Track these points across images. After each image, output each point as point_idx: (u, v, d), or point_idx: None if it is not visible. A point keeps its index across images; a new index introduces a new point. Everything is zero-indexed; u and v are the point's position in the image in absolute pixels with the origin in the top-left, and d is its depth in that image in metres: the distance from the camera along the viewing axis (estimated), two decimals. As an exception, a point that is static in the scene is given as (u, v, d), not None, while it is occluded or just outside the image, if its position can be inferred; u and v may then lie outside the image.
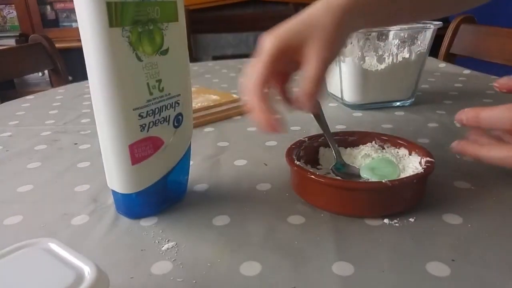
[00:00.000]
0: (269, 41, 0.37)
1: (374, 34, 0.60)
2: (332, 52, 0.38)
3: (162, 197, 0.36)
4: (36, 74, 2.38)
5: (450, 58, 1.04)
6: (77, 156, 0.49)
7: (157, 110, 0.33)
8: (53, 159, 0.49)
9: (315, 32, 0.37)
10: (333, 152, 0.39)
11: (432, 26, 0.60)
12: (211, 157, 0.47)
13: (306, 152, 0.40)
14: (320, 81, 0.37)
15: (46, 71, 1.34)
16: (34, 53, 1.07)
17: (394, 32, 0.62)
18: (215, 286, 0.27)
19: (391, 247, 0.30)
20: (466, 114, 0.37)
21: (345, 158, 0.40)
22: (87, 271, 0.20)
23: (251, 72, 0.37)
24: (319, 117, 0.40)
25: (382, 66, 0.60)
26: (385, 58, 0.60)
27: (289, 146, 0.39)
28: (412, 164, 0.38)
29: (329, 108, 0.65)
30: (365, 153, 0.40)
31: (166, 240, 0.32)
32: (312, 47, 0.37)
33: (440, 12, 0.50)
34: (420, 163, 0.37)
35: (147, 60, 0.31)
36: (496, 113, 0.35)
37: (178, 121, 0.35)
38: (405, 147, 0.39)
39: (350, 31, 0.40)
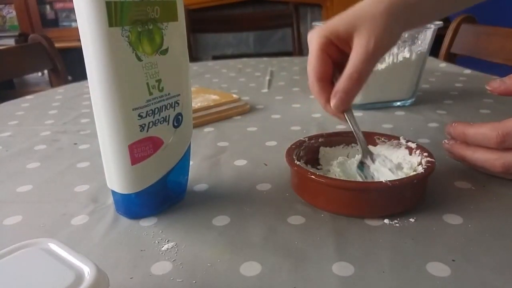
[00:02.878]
0: (316, 33, 0.36)
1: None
2: (380, 45, 0.35)
3: (162, 197, 0.36)
4: (35, 74, 2.38)
5: (451, 58, 1.04)
6: (77, 156, 0.49)
7: (156, 110, 0.32)
8: (52, 159, 0.49)
9: (364, 22, 0.35)
10: (359, 143, 0.38)
11: (432, 26, 0.60)
12: (211, 157, 0.47)
13: (306, 152, 0.40)
14: (361, 78, 0.35)
15: (45, 71, 1.34)
16: (34, 53, 1.07)
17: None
18: (215, 286, 0.27)
19: (391, 247, 0.29)
20: (454, 129, 0.38)
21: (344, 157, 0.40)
22: (87, 271, 0.20)
23: (308, 67, 0.36)
24: (348, 116, 0.38)
25: (383, 66, 0.60)
26: (385, 58, 0.60)
27: (289, 146, 0.39)
28: (405, 158, 0.38)
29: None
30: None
31: (166, 240, 0.32)
32: (359, 38, 0.35)
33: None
34: (420, 163, 0.37)
35: (147, 60, 0.31)
36: (482, 131, 0.35)
37: (178, 121, 0.35)
38: (406, 147, 0.39)
39: (402, 25, 0.38)
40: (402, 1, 0.37)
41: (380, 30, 0.35)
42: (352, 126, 0.38)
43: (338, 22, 0.37)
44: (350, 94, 0.36)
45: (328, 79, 0.37)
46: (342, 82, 0.36)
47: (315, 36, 0.36)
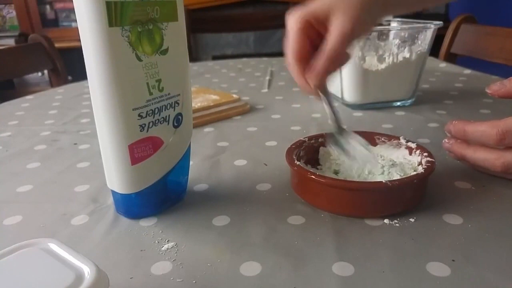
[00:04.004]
0: (295, 14, 0.37)
1: (374, 33, 0.60)
2: (356, 26, 0.37)
3: (162, 197, 0.36)
4: (35, 74, 2.38)
5: (451, 57, 1.04)
6: (77, 156, 0.49)
7: (156, 110, 0.32)
8: (52, 159, 0.49)
9: (341, 4, 0.37)
10: (332, 120, 0.39)
11: (432, 26, 0.60)
12: (211, 157, 0.47)
13: (306, 152, 0.40)
14: (336, 57, 0.36)
15: (45, 71, 1.34)
16: (34, 53, 1.07)
17: (394, 32, 0.62)
18: (215, 286, 0.27)
19: (391, 247, 0.29)
20: (454, 126, 0.38)
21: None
22: (87, 271, 0.20)
23: (287, 48, 0.37)
24: (324, 94, 0.39)
25: (383, 66, 0.60)
26: (385, 58, 0.60)
27: (289, 146, 0.39)
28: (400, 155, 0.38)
29: (329, 108, 0.65)
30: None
31: (166, 240, 0.32)
32: (336, 19, 0.36)
33: None
34: (420, 163, 0.37)
35: (147, 60, 0.31)
36: (482, 129, 0.35)
37: (177, 121, 0.35)
38: (406, 147, 0.39)
39: (379, 9, 0.40)
40: None
41: (357, 12, 0.37)
42: (326, 104, 0.39)
43: (316, 4, 0.38)
44: (325, 71, 0.38)
45: (307, 60, 0.38)
46: (318, 59, 0.37)
47: (294, 18, 0.37)
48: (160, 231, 0.33)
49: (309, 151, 0.41)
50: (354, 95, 0.62)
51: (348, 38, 0.37)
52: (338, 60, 0.37)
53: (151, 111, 0.32)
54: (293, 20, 0.37)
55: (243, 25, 1.94)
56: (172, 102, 0.34)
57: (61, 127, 0.61)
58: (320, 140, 0.42)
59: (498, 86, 0.38)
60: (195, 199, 0.38)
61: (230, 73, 0.97)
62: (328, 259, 0.28)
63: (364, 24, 0.38)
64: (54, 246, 0.22)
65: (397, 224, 0.32)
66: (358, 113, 0.61)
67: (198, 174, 0.43)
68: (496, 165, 0.35)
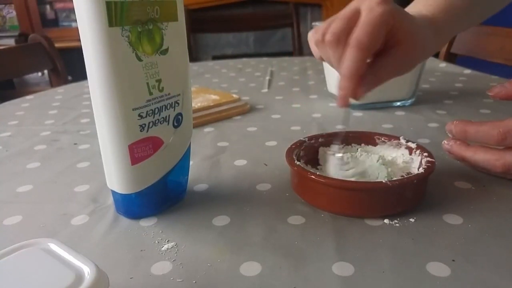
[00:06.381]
0: (385, 4, 0.36)
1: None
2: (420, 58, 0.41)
3: (162, 197, 0.36)
4: (35, 74, 2.38)
5: (451, 57, 1.04)
6: (77, 156, 0.49)
7: (156, 110, 0.32)
8: (52, 159, 0.49)
9: (421, 29, 0.40)
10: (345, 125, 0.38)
11: (432, 26, 0.60)
12: (211, 157, 0.47)
13: (306, 152, 0.40)
14: (376, 33, 0.34)
15: (45, 71, 1.34)
16: (34, 53, 1.07)
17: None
18: (215, 286, 0.27)
19: (391, 247, 0.29)
20: (455, 127, 0.38)
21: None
22: (87, 271, 0.20)
23: (362, 30, 0.35)
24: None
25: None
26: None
27: (289, 146, 0.39)
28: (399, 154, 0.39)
29: (329, 108, 0.65)
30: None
31: (166, 240, 0.32)
32: (420, 41, 0.38)
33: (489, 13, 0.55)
34: (420, 163, 0.37)
35: (147, 59, 0.31)
36: (483, 129, 0.35)
37: (178, 121, 0.35)
38: (406, 147, 0.39)
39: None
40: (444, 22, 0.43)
41: (417, 57, 0.41)
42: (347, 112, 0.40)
43: (402, 16, 0.38)
44: (378, 83, 0.38)
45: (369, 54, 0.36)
46: (382, 74, 0.38)
47: (387, 9, 0.35)
48: (160, 231, 0.33)
49: (309, 151, 0.41)
50: (354, 95, 0.62)
51: (399, 73, 0.39)
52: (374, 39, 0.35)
53: (151, 111, 0.32)
54: (385, 10, 0.34)
55: (243, 25, 1.94)
56: (172, 102, 0.34)
57: (61, 127, 0.61)
58: (320, 140, 0.42)
59: (498, 88, 0.38)
60: (195, 199, 0.38)
61: (230, 73, 0.97)
62: (328, 259, 0.28)
63: (415, 64, 0.41)
64: (54, 246, 0.22)
65: (397, 224, 0.32)
66: (358, 113, 0.61)
67: (198, 174, 0.43)
68: (496, 166, 0.35)
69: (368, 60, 0.37)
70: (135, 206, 0.35)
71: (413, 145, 0.38)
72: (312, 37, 0.39)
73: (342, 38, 0.36)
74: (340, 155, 0.38)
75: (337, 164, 0.37)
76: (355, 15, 0.36)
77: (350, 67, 0.34)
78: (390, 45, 0.37)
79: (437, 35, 0.42)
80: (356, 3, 0.37)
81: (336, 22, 0.36)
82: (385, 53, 0.37)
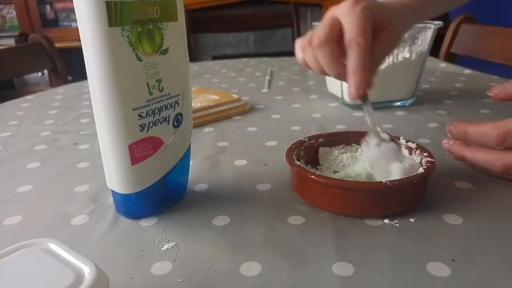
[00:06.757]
0: (360, 3, 0.39)
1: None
2: (399, 41, 0.43)
3: (162, 197, 0.36)
4: (35, 74, 2.38)
5: (451, 58, 1.04)
6: (77, 156, 0.49)
7: (156, 110, 0.32)
8: (52, 159, 0.49)
9: (394, 16, 0.43)
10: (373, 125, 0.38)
11: (432, 26, 0.60)
12: (211, 157, 0.47)
13: (306, 152, 0.40)
14: (366, 31, 0.38)
15: (45, 71, 1.34)
16: (34, 53, 1.07)
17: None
18: (215, 286, 0.27)
19: (391, 247, 0.29)
20: (455, 127, 0.38)
21: (346, 156, 0.40)
22: (87, 271, 0.20)
23: (354, 29, 0.38)
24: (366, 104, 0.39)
25: (382, 66, 0.60)
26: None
27: (289, 146, 0.39)
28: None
29: (329, 108, 0.65)
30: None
31: (166, 240, 0.32)
32: (391, 29, 0.41)
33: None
34: (420, 163, 0.37)
35: (147, 60, 0.31)
36: (483, 130, 0.36)
37: (177, 121, 0.35)
38: (406, 147, 0.39)
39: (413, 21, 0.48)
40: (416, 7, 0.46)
41: (399, 36, 0.44)
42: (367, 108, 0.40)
43: (378, 6, 0.41)
44: (368, 75, 0.39)
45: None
46: (378, 57, 0.41)
47: (364, 7, 0.38)
48: (160, 231, 0.33)
49: (309, 151, 0.41)
50: (354, 95, 0.62)
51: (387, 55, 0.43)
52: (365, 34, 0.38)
53: (151, 111, 0.32)
54: (362, 7, 0.38)
55: (243, 25, 1.94)
56: (172, 102, 0.34)
57: (61, 127, 0.61)
58: (320, 140, 0.42)
59: (498, 89, 0.38)
60: (195, 199, 0.38)
61: (230, 73, 0.97)
62: (328, 259, 0.28)
63: (398, 44, 0.45)
64: (54, 246, 0.22)
65: (397, 224, 0.32)
66: (358, 113, 0.61)
67: (198, 174, 0.43)
68: (496, 166, 0.35)
69: None
70: (135, 206, 0.35)
71: (413, 145, 0.38)
72: (298, 45, 0.43)
73: (329, 40, 0.39)
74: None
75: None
76: (335, 21, 0.39)
77: (358, 62, 0.37)
78: (375, 33, 0.40)
79: (412, 12, 0.47)
80: (330, 12, 0.40)
81: (319, 29, 0.40)
82: (374, 41, 0.40)
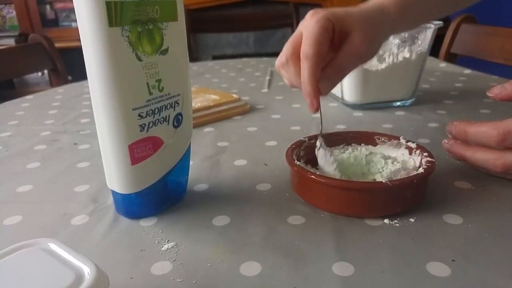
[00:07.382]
0: (317, 14, 0.39)
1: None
2: (370, 50, 0.40)
3: (162, 197, 0.36)
4: (35, 74, 2.38)
5: (451, 57, 1.04)
6: (77, 156, 0.49)
7: (156, 110, 0.32)
8: (52, 159, 0.49)
9: (361, 23, 0.40)
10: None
11: (432, 26, 0.60)
12: (211, 157, 0.47)
13: (306, 152, 0.40)
14: (344, 75, 0.38)
15: (45, 71, 1.34)
16: (34, 53, 1.07)
17: (394, 32, 0.62)
18: (215, 286, 0.27)
19: (391, 247, 0.29)
20: (455, 127, 0.39)
21: (346, 156, 0.40)
22: (87, 271, 0.20)
23: (307, 45, 0.38)
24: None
25: (383, 66, 0.60)
26: (385, 57, 0.60)
27: (289, 146, 0.39)
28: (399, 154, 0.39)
29: (329, 108, 0.65)
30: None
31: (166, 240, 0.32)
32: (354, 37, 0.39)
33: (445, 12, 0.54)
34: (420, 163, 0.37)
35: (147, 59, 0.31)
36: (483, 130, 0.36)
37: (177, 121, 0.35)
38: (406, 147, 0.39)
39: (389, 31, 0.45)
40: (396, 14, 0.43)
41: (374, 37, 0.41)
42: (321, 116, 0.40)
43: (340, 12, 0.40)
44: (334, 82, 0.40)
45: (323, 59, 0.38)
46: (331, 72, 0.39)
47: (318, 16, 0.38)
48: (160, 231, 0.33)
49: (309, 151, 0.41)
50: (354, 95, 0.62)
51: (361, 60, 0.41)
52: (317, 45, 0.38)
53: (151, 111, 0.32)
54: (318, 18, 0.38)
55: (243, 25, 1.94)
56: (172, 102, 0.34)
57: (61, 127, 0.61)
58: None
59: (498, 89, 0.38)
60: (195, 199, 0.38)
61: (230, 73, 0.97)
62: (328, 259, 0.28)
63: (377, 47, 0.42)
64: (54, 246, 0.22)
65: (397, 224, 0.32)
66: (358, 113, 0.61)
67: (198, 174, 0.43)
68: (496, 166, 0.36)
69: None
70: (135, 206, 0.35)
71: (413, 145, 0.38)
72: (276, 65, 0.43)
73: (289, 58, 0.40)
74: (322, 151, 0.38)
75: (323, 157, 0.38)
76: (299, 38, 0.40)
77: (305, 74, 0.38)
78: (342, 40, 0.40)
79: (391, 19, 0.44)
80: (298, 28, 0.41)
81: (284, 48, 0.41)
82: (339, 48, 0.40)
